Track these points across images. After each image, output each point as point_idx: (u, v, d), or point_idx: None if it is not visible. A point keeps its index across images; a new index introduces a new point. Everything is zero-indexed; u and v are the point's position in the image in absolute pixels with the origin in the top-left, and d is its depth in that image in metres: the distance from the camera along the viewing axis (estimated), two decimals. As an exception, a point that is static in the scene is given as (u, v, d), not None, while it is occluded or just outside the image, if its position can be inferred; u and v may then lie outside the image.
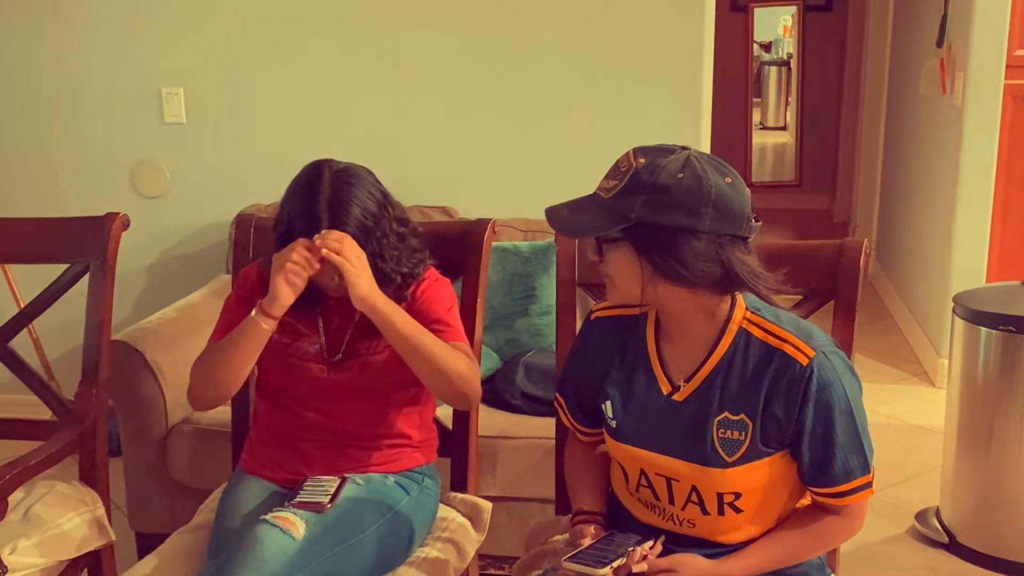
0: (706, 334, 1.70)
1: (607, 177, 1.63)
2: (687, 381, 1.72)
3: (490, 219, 2.27)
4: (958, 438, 3.02)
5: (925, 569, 2.98)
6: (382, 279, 1.92)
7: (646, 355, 1.76)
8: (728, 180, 1.59)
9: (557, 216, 1.67)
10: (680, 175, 1.57)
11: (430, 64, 3.58)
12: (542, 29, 3.51)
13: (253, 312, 1.89)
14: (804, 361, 1.64)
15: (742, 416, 1.67)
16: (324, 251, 1.83)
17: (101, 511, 2.27)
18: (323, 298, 2.02)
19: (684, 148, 1.63)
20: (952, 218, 4.22)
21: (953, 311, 3.04)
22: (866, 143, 6.46)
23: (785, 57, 9.08)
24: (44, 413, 2.41)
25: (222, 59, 3.65)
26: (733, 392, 1.68)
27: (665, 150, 1.62)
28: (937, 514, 3.15)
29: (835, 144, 7.83)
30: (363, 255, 1.87)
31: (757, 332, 1.69)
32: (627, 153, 1.62)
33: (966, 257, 4.19)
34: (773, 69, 9.22)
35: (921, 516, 3.19)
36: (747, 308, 1.71)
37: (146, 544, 2.92)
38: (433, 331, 1.94)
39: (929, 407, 4.13)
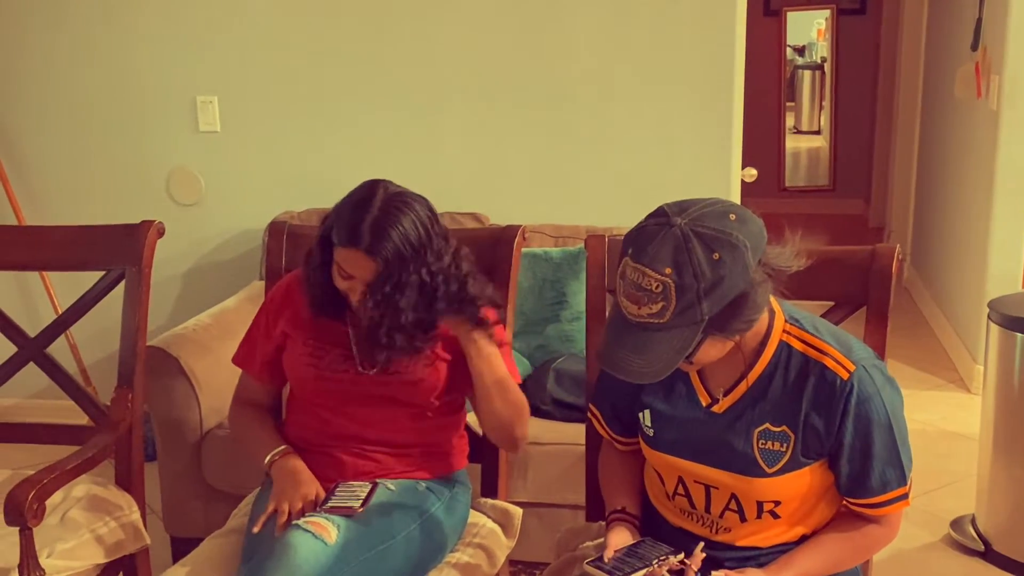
0: (747, 348, 1.69)
1: (639, 303, 1.53)
2: (726, 394, 1.72)
3: (520, 225, 2.27)
4: (994, 445, 2.99)
5: (961, 577, 2.96)
6: (385, 311, 1.88)
7: None
8: (733, 217, 1.56)
9: (629, 367, 1.56)
10: (715, 256, 1.51)
11: (461, 71, 3.60)
12: (572, 34, 3.52)
13: (266, 459, 2.01)
14: (845, 375, 1.64)
15: (784, 428, 1.67)
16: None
17: (136, 515, 2.30)
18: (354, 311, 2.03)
19: (660, 217, 1.55)
20: (988, 223, 4.18)
21: (988, 317, 3.01)
22: (901, 147, 6.40)
23: (819, 61, 9.01)
24: (80, 418, 2.44)
25: (256, 68, 3.68)
26: (774, 404, 1.68)
27: (646, 236, 1.54)
28: (973, 522, 3.12)
29: (870, 148, 7.77)
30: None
31: (797, 345, 1.69)
32: (636, 270, 1.53)
33: (1002, 262, 4.15)
34: (807, 73, 9.16)
35: (956, 524, 3.16)
36: (786, 320, 1.70)
37: (181, 548, 2.95)
38: None
39: (965, 413, 4.08)
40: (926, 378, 4.55)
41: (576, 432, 2.56)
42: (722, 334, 1.59)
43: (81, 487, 2.27)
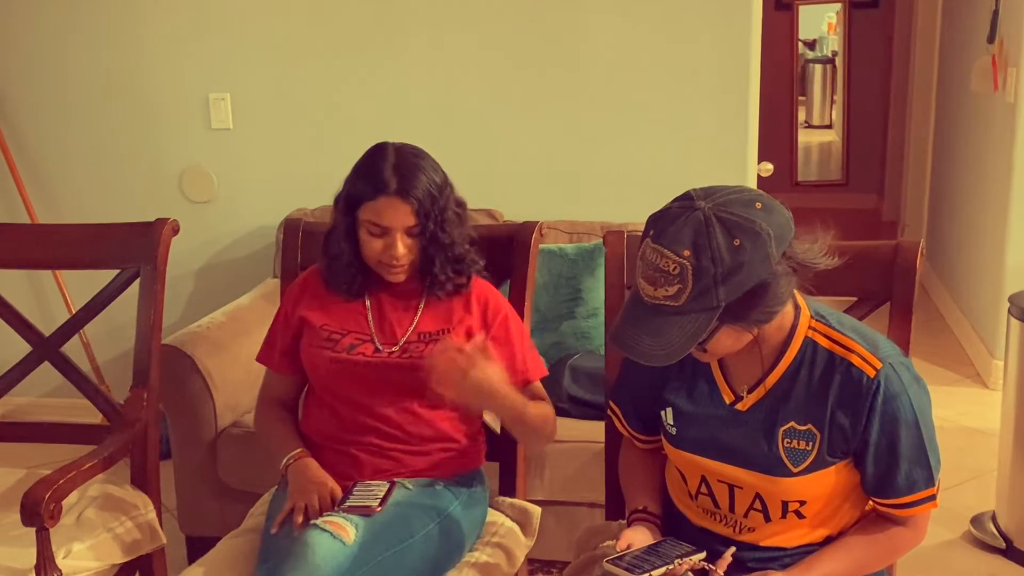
0: (771, 344, 1.67)
1: (656, 284, 1.52)
2: (751, 391, 1.70)
3: (538, 221, 2.26)
4: (1015, 440, 2.96)
5: (983, 575, 2.93)
6: (436, 251, 1.97)
7: (707, 364, 1.73)
8: (759, 205, 1.54)
9: (640, 347, 1.55)
10: (736, 242, 1.49)
11: (473, 68, 3.58)
12: (586, 29, 3.49)
13: (283, 462, 2.01)
14: (871, 373, 1.62)
15: (809, 426, 1.65)
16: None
17: (152, 515, 2.29)
18: (377, 288, 2.03)
19: (685, 201, 1.54)
20: (1005, 217, 4.15)
21: (1009, 311, 2.98)
22: (915, 141, 6.36)
23: (830, 55, 8.97)
24: (93, 417, 2.43)
25: (268, 65, 3.67)
26: (799, 402, 1.66)
27: (669, 218, 1.53)
28: (993, 519, 3.09)
29: (883, 142, 7.73)
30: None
31: (823, 341, 1.66)
32: (655, 251, 1.51)
33: (1020, 256, 4.12)
34: (818, 67, 9.12)
35: (977, 521, 3.13)
36: (811, 316, 1.68)
37: (196, 547, 2.94)
38: (512, 370, 1.99)
39: (983, 409, 4.06)
40: (943, 373, 4.52)
41: (592, 429, 2.55)
42: (739, 324, 1.56)
43: (96, 487, 2.26)
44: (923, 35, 6.19)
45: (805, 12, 8.23)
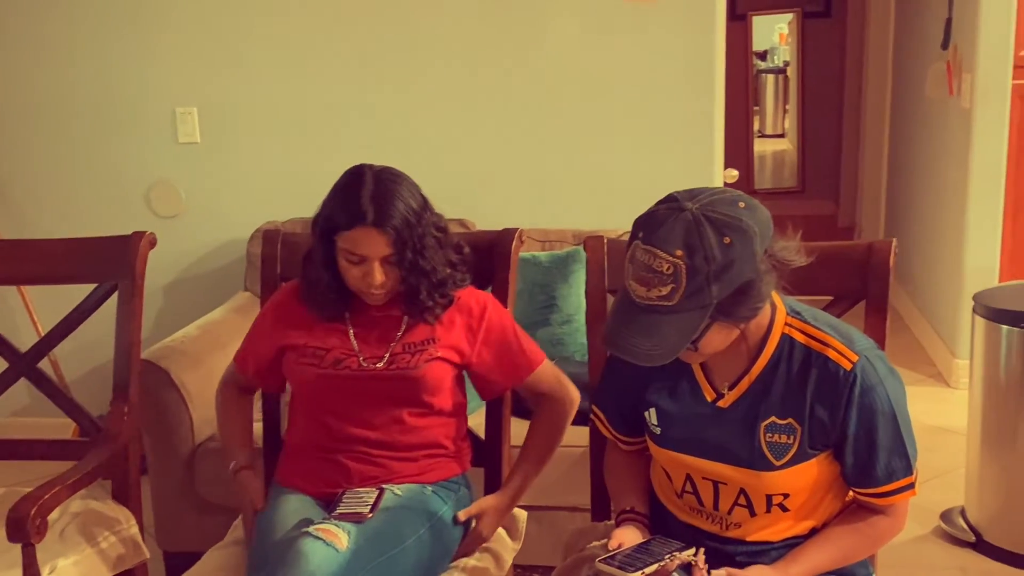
0: (750, 342, 1.70)
1: (648, 285, 1.55)
2: (731, 388, 1.73)
3: (518, 228, 2.28)
4: (982, 437, 3.02)
5: (955, 568, 2.99)
6: (418, 279, 1.96)
7: (688, 364, 1.76)
8: (742, 204, 1.58)
9: (635, 348, 1.57)
10: (726, 240, 1.53)
11: (441, 78, 3.60)
12: (555, 40, 3.53)
13: (232, 465, 2.11)
14: (848, 366, 1.66)
15: (790, 420, 1.68)
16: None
17: (135, 529, 2.28)
18: (358, 310, 2.03)
19: (672, 202, 1.57)
20: (963, 219, 4.23)
21: (973, 310, 3.04)
22: (869, 147, 6.47)
23: (782, 65, 9.11)
24: (62, 435, 2.41)
25: (234, 78, 3.66)
26: (779, 397, 1.69)
27: (658, 220, 1.56)
28: (963, 513, 3.15)
29: (838, 149, 7.85)
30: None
31: (800, 337, 1.70)
32: (646, 252, 1.54)
33: (978, 258, 4.20)
34: (770, 77, 9.26)
35: (946, 516, 3.19)
36: (787, 313, 1.72)
37: (174, 563, 2.93)
38: (515, 365, 2.07)
39: (947, 408, 4.13)
40: (906, 374, 4.51)
41: (573, 435, 2.55)
42: (729, 320, 1.60)
43: (78, 503, 2.24)
44: (876, 43, 6.31)
45: (757, 23, 8.34)
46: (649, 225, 1.57)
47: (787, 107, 8.93)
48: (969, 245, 4.21)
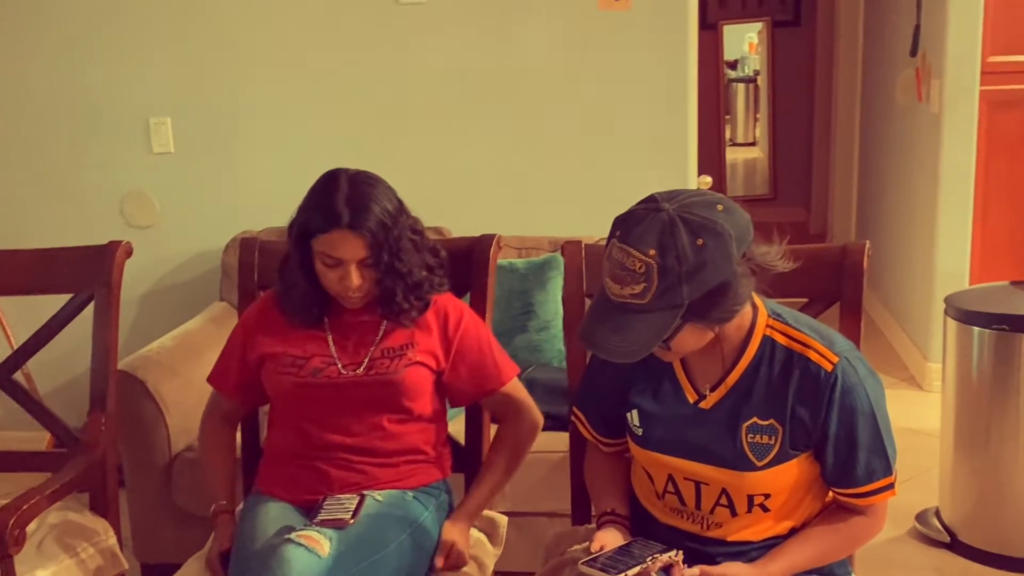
0: (732, 343, 1.72)
1: (622, 283, 1.57)
2: (713, 389, 1.75)
3: (496, 234, 2.29)
4: (955, 438, 3.05)
5: (930, 569, 3.01)
6: (395, 282, 1.96)
7: (670, 365, 1.78)
8: (720, 208, 1.59)
9: (607, 345, 1.60)
10: (699, 241, 1.55)
11: (418, 86, 3.60)
12: (529, 48, 3.55)
13: (212, 508, 2.08)
14: (828, 367, 1.68)
15: (771, 421, 1.70)
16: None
17: (113, 540, 2.27)
18: (336, 314, 2.04)
19: (650, 203, 1.59)
20: (934, 224, 4.28)
21: (945, 312, 3.08)
22: (840, 154, 6.53)
23: (752, 74, 9.17)
24: (37, 448, 2.39)
25: (209, 88, 3.66)
26: (760, 398, 1.71)
27: (635, 219, 1.58)
28: (937, 514, 3.18)
29: (808, 157, 7.92)
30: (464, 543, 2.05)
31: (781, 339, 1.72)
32: (621, 251, 1.57)
33: (949, 261, 4.25)
34: (740, 86, 9.31)
35: (921, 517, 3.22)
36: (769, 315, 1.74)
37: (152, 574, 2.91)
38: (486, 377, 2.06)
39: (920, 410, 4.16)
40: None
41: (551, 440, 2.57)
42: (701, 322, 1.62)
43: (55, 514, 2.22)
44: (845, 51, 6.37)
45: (728, 32, 8.40)
46: (626, 224, 1.59)
47: (758, 116, 8.99)
48: (940, 249, 4.26)
